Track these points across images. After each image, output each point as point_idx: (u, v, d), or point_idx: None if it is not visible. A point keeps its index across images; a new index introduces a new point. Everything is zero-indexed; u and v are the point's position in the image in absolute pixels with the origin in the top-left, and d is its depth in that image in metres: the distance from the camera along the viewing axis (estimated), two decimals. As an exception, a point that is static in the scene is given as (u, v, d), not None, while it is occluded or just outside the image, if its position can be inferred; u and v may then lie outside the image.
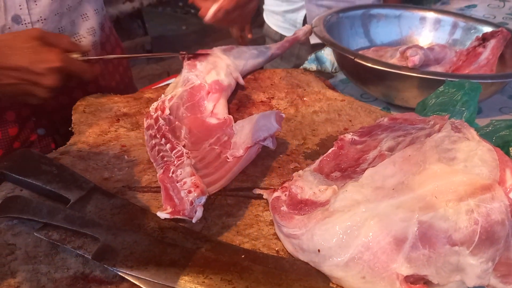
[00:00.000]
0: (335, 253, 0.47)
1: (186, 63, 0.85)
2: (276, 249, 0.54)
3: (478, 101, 0.74)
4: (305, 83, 0.92)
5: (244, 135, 0.66)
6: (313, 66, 1.11)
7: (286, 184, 0.57)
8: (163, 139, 0.68)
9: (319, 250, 0.48)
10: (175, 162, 0.62)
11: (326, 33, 1.00)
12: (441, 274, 0.43)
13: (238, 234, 0.56)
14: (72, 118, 0.78)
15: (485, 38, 1.03)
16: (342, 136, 0.65)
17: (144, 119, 0.75)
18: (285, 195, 0.56)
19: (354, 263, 0.46)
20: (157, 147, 0.67)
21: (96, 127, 0.75)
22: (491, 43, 1.01)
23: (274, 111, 0.68)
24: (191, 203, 0.56)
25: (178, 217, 0.56)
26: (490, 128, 0.64)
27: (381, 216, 0.46)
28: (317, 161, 0.62)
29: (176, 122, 0.73)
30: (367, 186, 0.50)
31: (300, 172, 0.59)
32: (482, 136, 0.52)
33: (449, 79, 0.78)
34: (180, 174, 0.60)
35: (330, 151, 0.63)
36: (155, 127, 0.70)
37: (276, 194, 0.57)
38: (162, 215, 0.56)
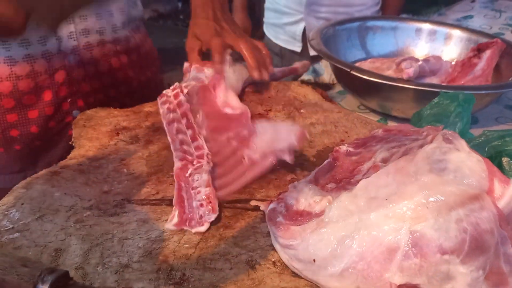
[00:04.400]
0: (329, 263, 0.48)
1: (194, 66, 0.89)
2: (273, 260, 0.55)
3: (474, 112, 0.75)
4: (302, 95, 0.93)
5: (265, 139, 0.65)
6: (311, 78, 1.13)
7: (282, 196, 0.58)
8: (184, 118, 0.68)
9: (314, 260, 0.49)
10: (194, 163, 0.62)
11: (322, 46, 1.01)
12: (433, 283, 0.44)
13: (235, 245, 0.56)
14: (73, 132, 0.79)
15: (480, 49, 1.04)
16: (337, 148, 0.66)
17: (158, 100, 0.79)
18: (281, 206, 0.57)
19: (349, 273, 0.47)
20: (175, 124, 0.68)
21: (96, 141, 0.77)
22: (486, 53, 1.02)
23: (299, 128, 0.65)
24: (201, 216, 0.57)
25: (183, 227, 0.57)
26: (482, 139, 0.65)
27: (374, 226, 0.47)
28: (313, 173, 0.63)
29: (193, 107, 0.74)
30: (361, 196, 0.51)
31: (296, 183, 0.60)
32: (475, 147, 0.53)
33: (443, 90, 0.79)
34: (197, 180, 0.61)
35: (325, 162, 0.64)
36: (175, 102, 0.71)
37: (272, 205, 0.58)
38: (169, 226, 0.57)
